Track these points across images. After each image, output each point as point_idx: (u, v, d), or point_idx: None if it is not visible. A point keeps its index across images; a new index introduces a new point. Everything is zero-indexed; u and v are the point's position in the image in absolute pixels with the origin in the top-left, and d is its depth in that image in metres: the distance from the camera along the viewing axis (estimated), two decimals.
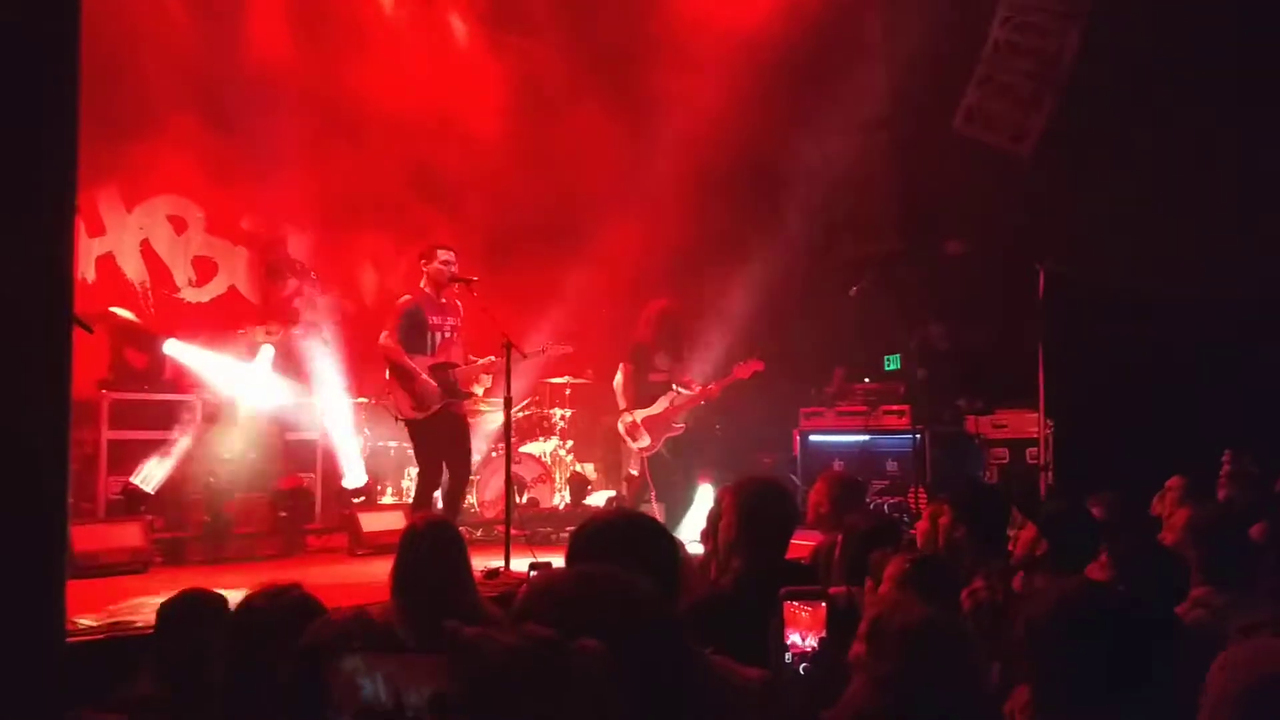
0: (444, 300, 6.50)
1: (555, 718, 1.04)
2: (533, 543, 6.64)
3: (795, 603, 2.05)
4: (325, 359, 8.11)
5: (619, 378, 7.28)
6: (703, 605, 2.90)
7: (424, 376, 6.27)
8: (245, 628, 2.31)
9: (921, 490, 7.72)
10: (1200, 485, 4.97)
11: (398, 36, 9.44)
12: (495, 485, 8.10)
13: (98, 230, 8.30)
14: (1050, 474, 6.91)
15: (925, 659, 1.94)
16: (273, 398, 7.65)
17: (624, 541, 2.09)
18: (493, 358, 6.38)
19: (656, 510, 6.93)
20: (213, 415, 7.37)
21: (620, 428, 7.31)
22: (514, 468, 7.38)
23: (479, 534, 7.63)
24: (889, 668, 1.93)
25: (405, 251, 8.99)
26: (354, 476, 7.98)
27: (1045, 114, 8.91)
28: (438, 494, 6.57)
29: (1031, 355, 7.12)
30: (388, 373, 6.33)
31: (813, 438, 9.15)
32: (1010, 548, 3.83)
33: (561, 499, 8.73)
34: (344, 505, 7.75)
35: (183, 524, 6.94)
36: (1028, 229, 8.28)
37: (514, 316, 7.25)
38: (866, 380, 9.18)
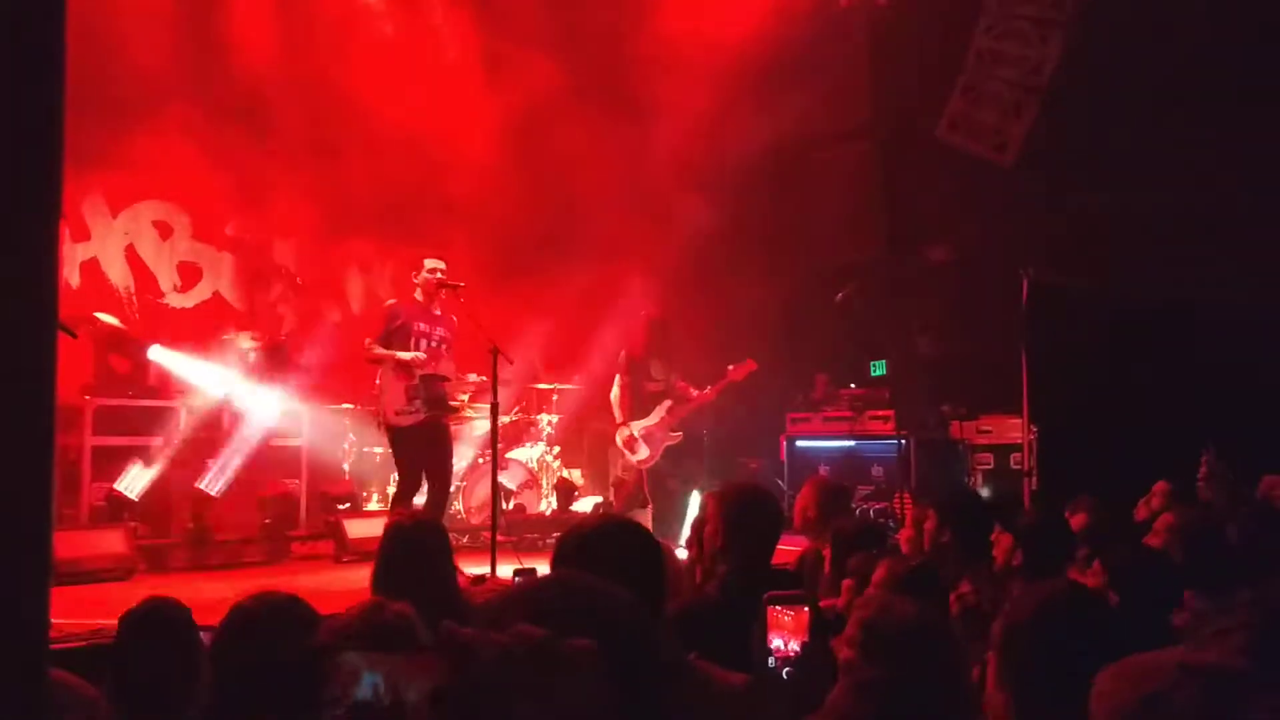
0: (437, 311, 6.47)
1: (548, 718, 1.05)
2: (519, 549, 6.62)
3: (778, 607, 2.06)
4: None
5: (615, 391, 7.26)
6: (689, 612, 2.90)
7: (398, 354, 6.18)
8: (235, 630, 2.30)
9: (907, 495, 7.75)
10: (1186, 489, 5.00)
11: (388, 43, 9.43)
12: (482, 491, 8.08)
13: (82, 235, 8.27)
14: (1034, 479, 6.94)
15: (916, 662, 1.95)
16: (257, 404, 7.62)
17: (611, 547, 2.09)
18: (484, 377, 6.43)
19: (646, 517, 6.93)
20: (197, 421, 7.34)
21: (618, 441, 7.29)
22: (501, 474, 7.38)
23: (465, 540, 7.61)
24: (879, 672, 1.93)
25: (392, 258, 8.99)
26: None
27: (1027, 122, 8.98)
28: (419, 502, 6.54)
29: (1015, 361, 7.17)
30: (379, 378, 6.25)
31: (799, 443, 9.18)
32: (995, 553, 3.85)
33: (548, 505, 8.72)
34: (329, 511, 7.72)
35: (166, 530, 6.91)
36: (1011, 236, 8.33)
37: (505, 324, 7.26)
38: (852, 386, 9.21)
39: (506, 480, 8.34)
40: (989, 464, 8.19)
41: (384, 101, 8.91)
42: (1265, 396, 7.08)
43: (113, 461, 6.97)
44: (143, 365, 7.51)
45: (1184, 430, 5.82)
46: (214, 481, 7.13)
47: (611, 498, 8.61)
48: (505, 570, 5.49)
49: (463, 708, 1.05)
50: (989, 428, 8.24)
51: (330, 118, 8.83)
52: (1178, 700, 1.40)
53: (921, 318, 9.07)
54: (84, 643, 4.12)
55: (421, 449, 6.34)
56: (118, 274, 8.47)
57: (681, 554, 4.08)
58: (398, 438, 6.29)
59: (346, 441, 8.31)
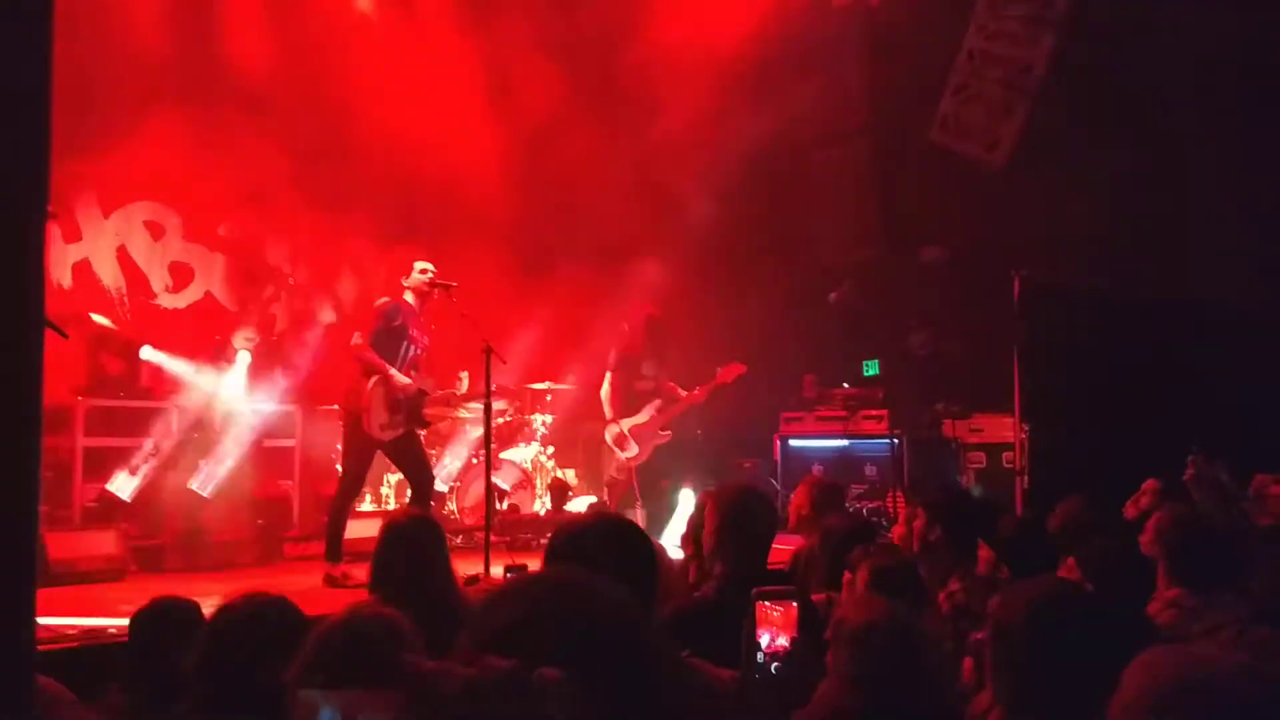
0: (423, 318, 6.47)
1: None
2: (513, 549, 6.64)
3: (767, 603, 2.06)
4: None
5: (605, 388, 7.26)
6: (686, 612, 2.92)
7: (393, 375, 6.13)
8: (220, 632, 2.30)
9: (899, 494, 7.77)
10: (1177, 488, 5.02)
11: (382, 43, 9.41)
12: (475, 491, 8.08)
13: (74, 236, 8.25)
14: (1026, 478, 6.97)
15: (882, 658, 1.96)
16: (250, 404, 7.61)
17: (602, 546, 2.10)
18: (459, 391, 6.61)
19: (640, 516, 6.93)
20: (189, 422, 7.32)
21: (607, 438, 7.29)
22: (494, 474, 7.38)
23: (459, 540, 7.60)
24: (851, 667, 1.94)
25: (386, 259, 8.98)
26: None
27: (1018, 122, 9.00)
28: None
29: (1008, 361, 7.19)
30: (370, 383, 6.16)
31: (793, 443, 9.20)
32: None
33: (542, 505, 8.72)
34: (322, 512, 7.70)
35: (159, 531, 6.89)
36: (1004, 236, 8.36)
37: (496, 322, 7.25)
38: (845, 385, 9.23)
39: (500, 480, 8.34)
40: (981, 463, 8.21)
41: (378, 102, 8.91)
42: (1257, 395, 7.12)
43: (105, 462, 6.96)
44: (134, 366, 7.49)
45: (1175, 429, 5.84)
46: (206, 483, 7.12)
47: (606, 497, 8.61)
48: (499, 571, 5.48)
49: None
50: (981, 426, 8.26)
51: (324, 118, 8.82)
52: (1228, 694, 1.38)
53: (915, 317, 9.08)
54: (76, 643, 4.12)
55: (396, 457, 6.38)
56: (109, 275, 8.45)
57: (676, 554, 4.09)
58: (368, 446, 6.26)
59: (340, 442, 8.29)
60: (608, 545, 2.10)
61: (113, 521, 6.53)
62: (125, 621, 4.36)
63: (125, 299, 8.47)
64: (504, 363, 6.40)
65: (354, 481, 6.41)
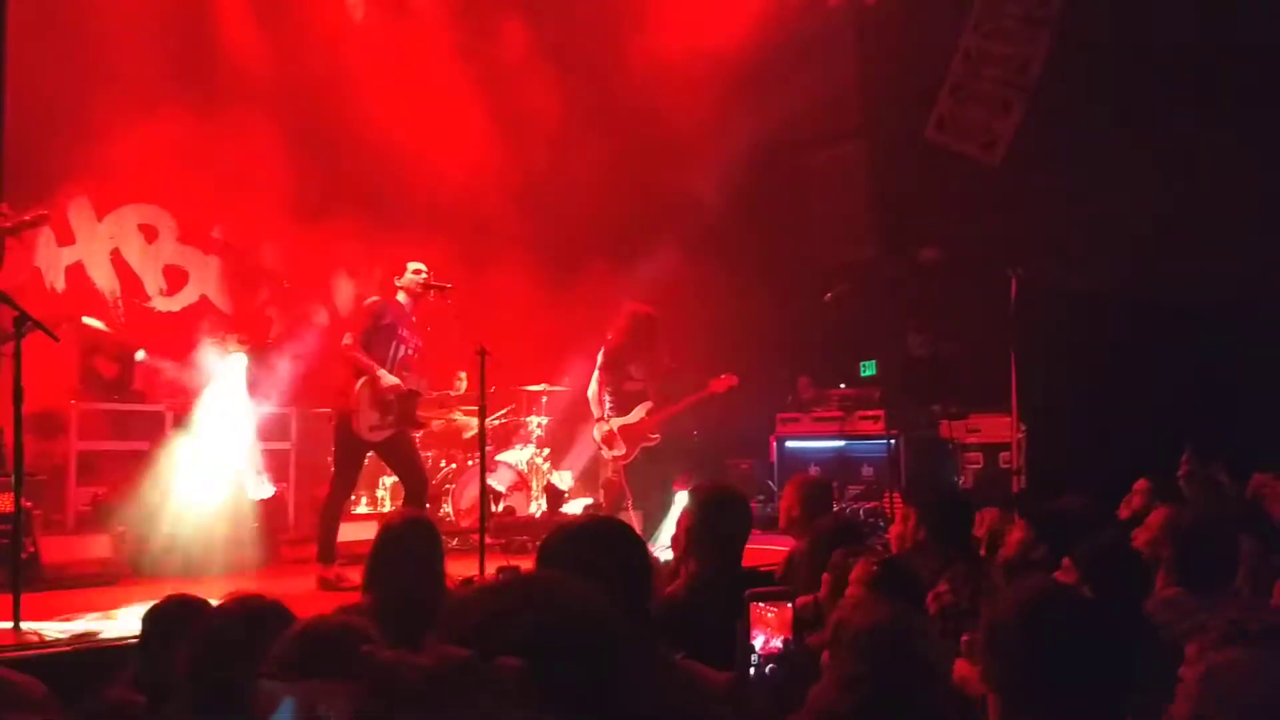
0: (414, 319, 6.45)
1: None
2: (509, 551, 6.61)
3: (761, 604, 2.05)
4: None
5: (593, 386, 7.24)
6: (657, 611, 2.90)
7: (380, 375, 6.10)
8: (211, 634, 2.29)
9: (896, 495, 7.76)
10: (1169, 487, 5.01)
11: (376, 46, 9.40)
12: (471, 494, 8.06)
13: (67, 239, 8.23)
14: (1023, 478, 6.96)
15: (884, 659, 1.95)
16: (245, 407, 7.58)
17: (593, 548, 2.08)
18: (455, 391, 6.42)
19: (634, 518, 6.91)
20: (184, 425, 7.29)
21: (596, 435, 7.27)
22: (490, 476, 7.36)
23: (455, 543, 7.57)
24: (850, 668, 1.93)
25: (380, 261, 8.95)
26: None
27: (1014, 121, 9.00)
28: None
29: (1004, 361, 7.18)
30: (358, 384, 6.13)
31: (789, 443, 9.19)
32: (981, 552, 3.85)
33: (538, 507, 8.70)
34: (317, 515, 7.67)
35: (154, 535, 6.85)
36: (1000, 236, 8.35)
37: (493, 326, 7.22)
38: (842, 386, 9.22)
39: (495, 482, 8.32)
40: (978, 463, 8.20)
41: (373, 104, 8.89)
42: (1253, 395, 7.12)
43: (99, 466, 6.93)
44: (129, 370, 7.47)
45: (1173, 429, 5.84)
46: (202, 486, 7.09)
47: (601, 499, 8.59)
48: (494, 573, 5.47)
49: None
50: (978, 426, 8.25)
51: (318, 120, 8.80)
52: None
53: (911, 317, 9.08)
54: (68, 647, 4.10)
55: (389, 459, 6.36)
56: (103, 278, 8.43)
57: (667, 554, 4.08)
58: (359, 448, 6.24)
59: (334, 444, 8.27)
60: (599, 548, 2.09)
61: (106, 525, 6.50)
62: (118, 625, 4.38)
63: (119, 302, 8.45)
64: (500, 366, 6.38)
65: (346, 484, 6.38)
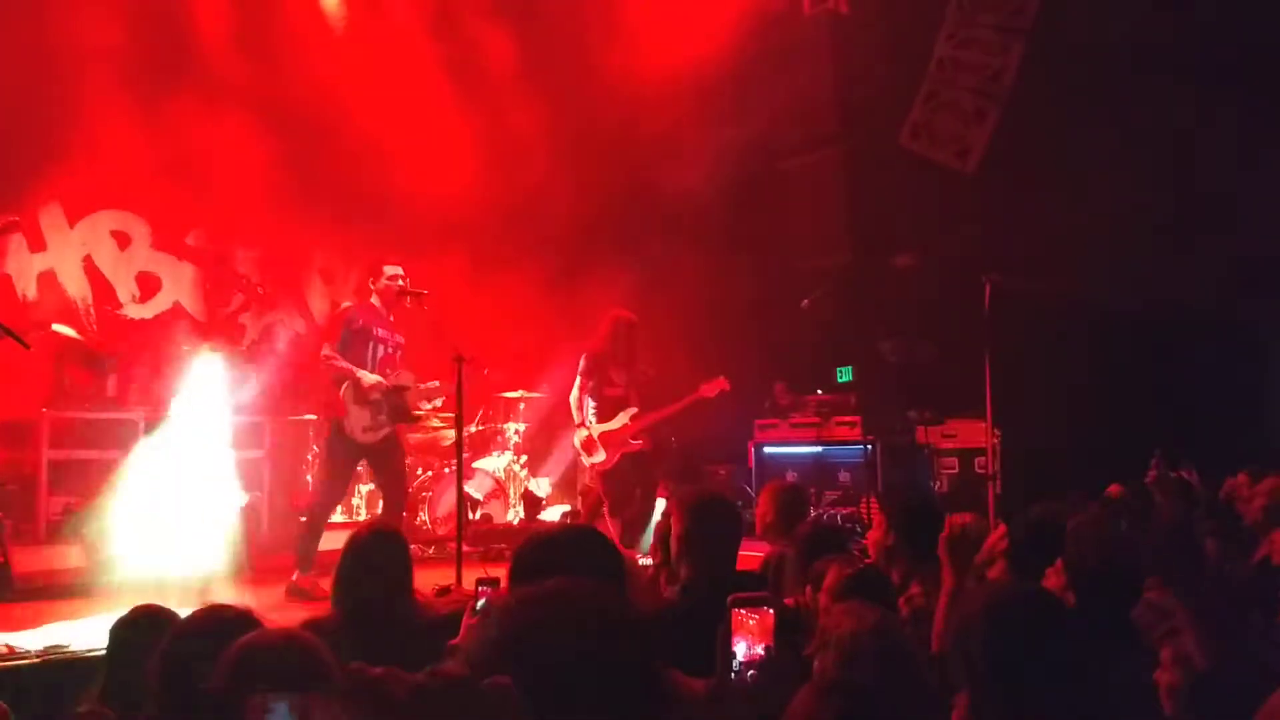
0: (392, 318, 6.42)
1: None
2: (486, 559, 6.58)
3: (742, 610, 2.04)
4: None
5: (575, 392, 7.22)
6: (651, 619, 2.89)
7: (361, 376, 6.08)
8: (180, 644, 2.26)
9: (873, 500, 7.78)
10: (1141, 492, 5.06)
11: (354, 52, 9.36)
12: (448, 501, 8.02)
13: (39, 246, 8.14)
14: (998, 483, 7.00)
15: (871, 665, 1.95)
16: (218, 415, 7.50)
17: (567, 556, 2.08)
18: (438, 382, 6.40)
19: (611, 526, 6.89)
20: (156, 434, 7.22)
21: (575, 442, 7.25)
22: (467, 483, 7.32)
23: (431, 551, 7.54)
24: (836, 674, 1.94)
25: (355, 267, 8.91)
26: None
27: (989, 129, 9.08)
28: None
29: (979, 366, 7.22)
30: (341, 390, 6.12)
31: (767, 450, 9.20)
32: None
33: (515, 515, 8.67)
34: (292, 523, 7.62)
35: (125, 545, 6.77)
36: (975, 242, 8.41)
37: (469, 330, 7.19)
38: (819, 392, 9.24)
39: (473, 490, 8.29)
40: (954, 468, 8.25)
41: (350, 110, 8.86)
42: (1226, 399, 7.20)
43: (71, 476, 6.85)
44: (101, 378, 7.39)
45: (1147, 433, 5.90)
46: (177, 494, 7.01)
47: (579, 506, 8.57)
48: (471, 582, 5.43)
49: None
50: (954, 432, 8.30)
51: (294, 126, 8.75)
52: None
53: (887, 323, 9.12)
54: (38, 659, 4.05)
55: (378, 464, 6.34)
56: (75, 285, 8.34)
57: (646, 561, 4.08)
58: (352, 453, 6.22)
59: (309, 453, 8.22)
60: (572, 555, 2.08)
61: (78, 535, 6.42)
62: (89, 636, 4.32)
63: (91, 310, 8.36)
64: (484, 372, 6.42)
65: (335, 493, 6.35)
